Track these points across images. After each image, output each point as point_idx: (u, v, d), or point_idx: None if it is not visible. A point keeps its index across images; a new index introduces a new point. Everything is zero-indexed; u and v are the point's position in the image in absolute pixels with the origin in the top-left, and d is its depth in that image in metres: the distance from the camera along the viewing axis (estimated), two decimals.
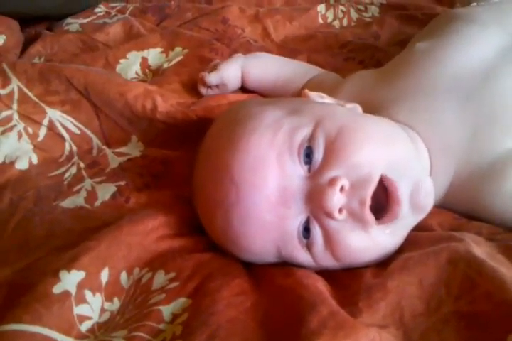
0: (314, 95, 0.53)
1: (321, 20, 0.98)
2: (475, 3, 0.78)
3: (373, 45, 0.87)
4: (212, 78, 0.72)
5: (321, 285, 0.42)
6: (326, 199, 0.41)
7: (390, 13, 0.97)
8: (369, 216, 0.42)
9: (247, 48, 0.86)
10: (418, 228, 0.48)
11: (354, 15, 1.00)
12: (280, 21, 0.95)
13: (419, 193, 0.43)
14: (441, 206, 0.53)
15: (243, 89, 0.76)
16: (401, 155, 0.45)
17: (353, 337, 0.35)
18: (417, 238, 0.46)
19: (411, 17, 0.94)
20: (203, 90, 0.73)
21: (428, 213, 0.50)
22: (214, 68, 0.73)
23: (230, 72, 0.73)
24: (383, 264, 0.44)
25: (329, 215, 0.41)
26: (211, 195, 0.46)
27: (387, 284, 0.41)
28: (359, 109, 0.53)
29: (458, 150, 0.51)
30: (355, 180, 0.42)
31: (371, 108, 0.55)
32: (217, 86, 0.73)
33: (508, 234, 0.48)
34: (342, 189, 0.41)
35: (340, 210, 0.41)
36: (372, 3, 1.03)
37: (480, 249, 0.42)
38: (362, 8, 1.01)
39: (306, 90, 0.54)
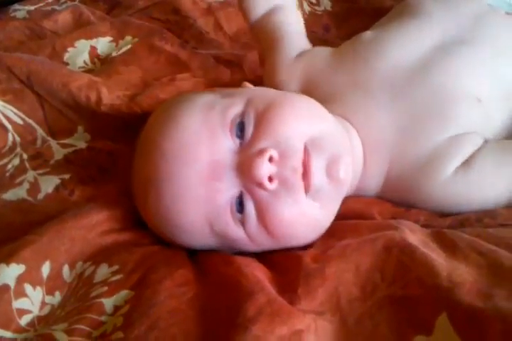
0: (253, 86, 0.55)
1: None
2: None
3: (323, 39, 0.88)
4: None
5: (260, 274, 0.43)
6: (255, 169, 0.41)
7: (341, 6, 0.98)
8: (301, 183, 0.43)
9: (199, 39, 0.86)
10: (359, 216, 0.50)
11: (307, 8, 1.00)
12: (233, 14, 0.94)
13: (334, 165, 0.44)
14: (380, 197, 0.54)
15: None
16: (324, 131, 0.46)
17: (288, 323, 0.36)
18: (357, 227, 0.48)
19: (361, 10, 0.95)
20: None
21: (368, 203, 0.52)
22: None
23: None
24: (322, 249, 0.45)
25: (260, 185, 0.42)
26: (143, 173, 0.46)
27: (326, 271, 0.42)
28: None
29: (392, 145, 0.53)
30: (284, 150, 0.43)
31: (316, 96, 0.56)
32: None
33: (443, 219, 0.50)
34: (271, 159, 0.42)
35: (270, 179, 0.42)
36: None
37: (414, 236, 0.44)
38: (314, 1, 1.02)
39: (246, 83, 0.56)
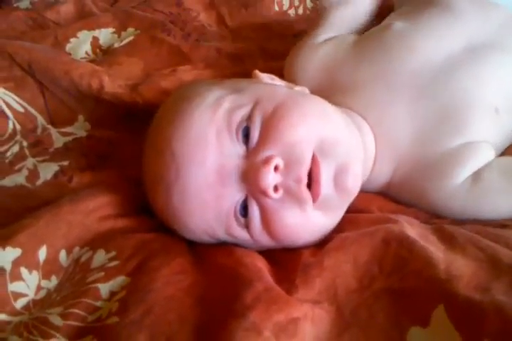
0: (264, 76, 0.54)
1: (276, 8, 0.98)
2: None
3: None
4: None
5: (260, 264, 0.43)
6: (261, 178, 0.41)
7: None
8: (306, 193, 0.42)
9: (202, 32, 0.86)
10: (359, 211, 0.50)
11: (309, 4, 1.01)
12: (235, 7, 0.94)
13: (343, 174, 0.44)
14: (382, 194, 0.54)
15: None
16: (333, 136, 0.46)
17: (285, 311, 0.37)
18: (356, 219, 0.48)
19: None
20: None
21: (369, 198, 0.52)
22: None
23: None
24: (322, 244, 0.45)
25: (264, 194, 0.42)
26: (153, 171, 0.46)
27: (324, 262, 0.42)
28: (306, 91, 0.53)
29: (404, 144, 0.52)
30: (290, 159, 0.42)
31: (334, 87, 0.56)
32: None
33: (442, 219, 0.50)
34: (277, 168, 0.42)
35: (276, 189, 0.42)
36: None
37: (413, 230, 0.44)
38: None
39: (257, 71, 0.54)
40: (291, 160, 0.42)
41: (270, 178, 0.41)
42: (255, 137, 0.43)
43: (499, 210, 0.49)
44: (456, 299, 0.35)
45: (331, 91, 0.55)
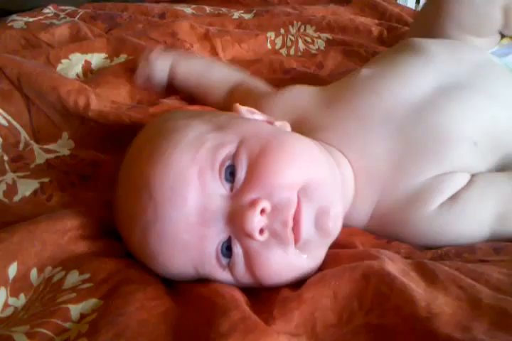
0: (244, 110, 0.53)
1: (269, 46, 1.00)
2: None
3: (315, 74, 0.90)
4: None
5: (237, 295, 0.42)
6: (247, 221, 0.40)
7: (335, 47, 1.01)
8: (291, 236, 0.42)
9: None
10: (342, 246, 0.50)
11: (301, 46, 1.04)
12: (229, 42, 0.97)
13: (324, 217, 0.44)
14: (366, 230, 0.54)
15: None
16: (318, 178, 0.45)
17: None
18: (337, 255, 0.47)
19: (354, 52, 0.99)
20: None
21: (352, 233, 0.52)
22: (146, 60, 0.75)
23: (158, 68, 0.75)
24: (302, 281, 0.44)
25: (250, 236, 0.41)
26: (130, 210, 0.44)
27: (303, 295, 0.41)
28: (288, 127, 0.53)
29: (384, 179, 0.53)
30: (277, 202, 0.42)
31: (305, 127, 0.56)
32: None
33: (423, 253, 0.50)
34: (263, 211, 0.41)
35: (261, 231, 0.41)
36: (319, 38, 1.07)
37: (395, 265, 0.44)
38: (309, 40, 1.05)
39: (237, 104, 0.53)
40: (278, 204, 0.42)
41: (256, 222, 0.40)
42: (241, 178, 0.42)
43: (478, 230, 0.50)
44: (437, 337, 0.35)
45: (306, 129, 0.55)
